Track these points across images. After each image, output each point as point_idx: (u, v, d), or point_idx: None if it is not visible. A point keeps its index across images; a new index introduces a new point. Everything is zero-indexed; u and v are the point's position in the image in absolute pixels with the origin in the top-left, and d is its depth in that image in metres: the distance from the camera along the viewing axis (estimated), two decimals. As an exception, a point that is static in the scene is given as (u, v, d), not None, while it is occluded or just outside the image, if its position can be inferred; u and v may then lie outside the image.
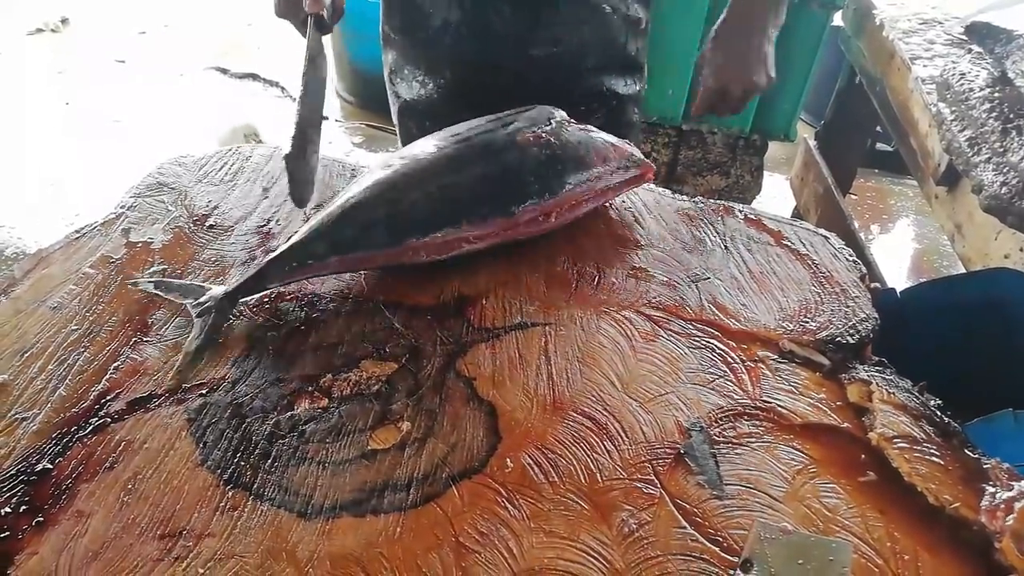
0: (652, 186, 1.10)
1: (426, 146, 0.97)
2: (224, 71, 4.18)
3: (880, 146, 3.56)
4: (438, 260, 0.92)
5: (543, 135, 0.97)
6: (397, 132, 1.43)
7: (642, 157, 1.03)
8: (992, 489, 0.71)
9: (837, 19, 2.67)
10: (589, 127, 1.03)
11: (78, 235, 0.99)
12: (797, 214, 2.87)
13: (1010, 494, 0.69)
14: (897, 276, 3.05)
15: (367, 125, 3.82)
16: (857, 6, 2.35)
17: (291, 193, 0.98)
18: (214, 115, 3.59)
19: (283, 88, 4.07)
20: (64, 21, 4.92)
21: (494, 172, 0.94)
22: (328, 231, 0.89)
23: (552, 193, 0.95)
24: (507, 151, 0.95)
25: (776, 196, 3.54)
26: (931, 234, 3.42)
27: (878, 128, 2.83)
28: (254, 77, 4.25)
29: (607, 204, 1.06)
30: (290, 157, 0.97)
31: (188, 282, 0.91)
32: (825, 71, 2.98)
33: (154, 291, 0.89)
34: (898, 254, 3.39)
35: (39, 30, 4.81)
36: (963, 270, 1.61)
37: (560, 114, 1.03)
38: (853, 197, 3.41)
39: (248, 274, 0.88)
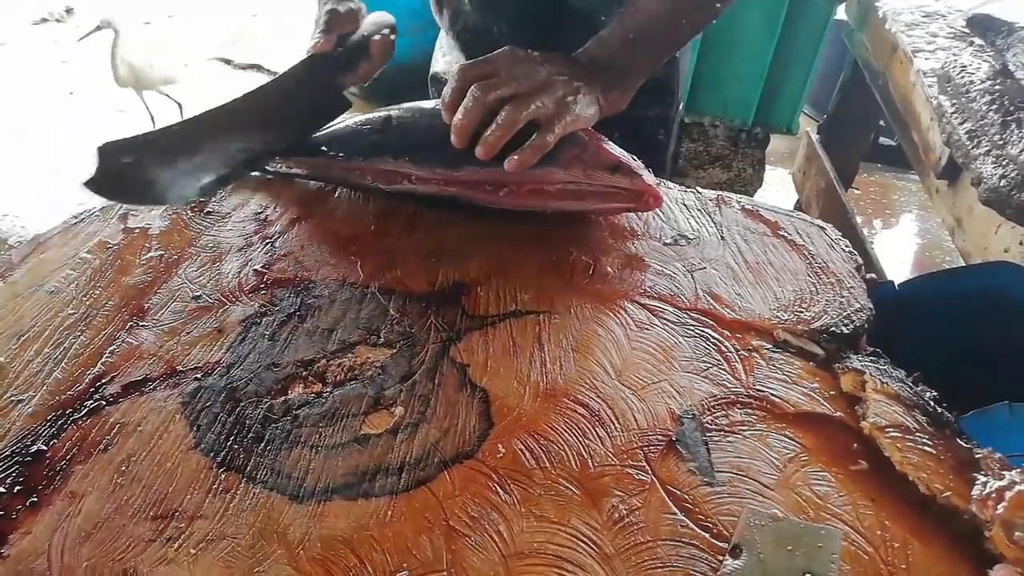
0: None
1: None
2: (228, 62, 4.18)
3: (883, 140, 3.55)
4: (384, 191, 1.01)
5: None
6: None
7: (647, 179, 0.94)
8: (983, 478, 0.71)
9: (841, 12, 2.67)
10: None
11: (76, 220, 1.00)
12: (799, 208, 2.86)
13: (1001, 483, 0.70)
14: (899, 271, 3.05)
15: (370, 117, 3.82)
16: (861, -1, 2.34)
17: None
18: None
19: (286, 79, 4.07)
20: (69, 11, 4.93)
21: (445, 127, 0.93)
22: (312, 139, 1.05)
23: (500, 165, 0.91)
24: None
25: (778, 190, 3.54)
26: (934, 229, 3.41)
27: (881, 122, 2.82)
28: (258, 68, 4.25)
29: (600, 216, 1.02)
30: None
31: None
32: (828, 64, 2.97)
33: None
34: (900, 249, 3.39)
35: (44, 20, 4.83)
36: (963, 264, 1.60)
37: None
38: (855, 191, 3.40)
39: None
